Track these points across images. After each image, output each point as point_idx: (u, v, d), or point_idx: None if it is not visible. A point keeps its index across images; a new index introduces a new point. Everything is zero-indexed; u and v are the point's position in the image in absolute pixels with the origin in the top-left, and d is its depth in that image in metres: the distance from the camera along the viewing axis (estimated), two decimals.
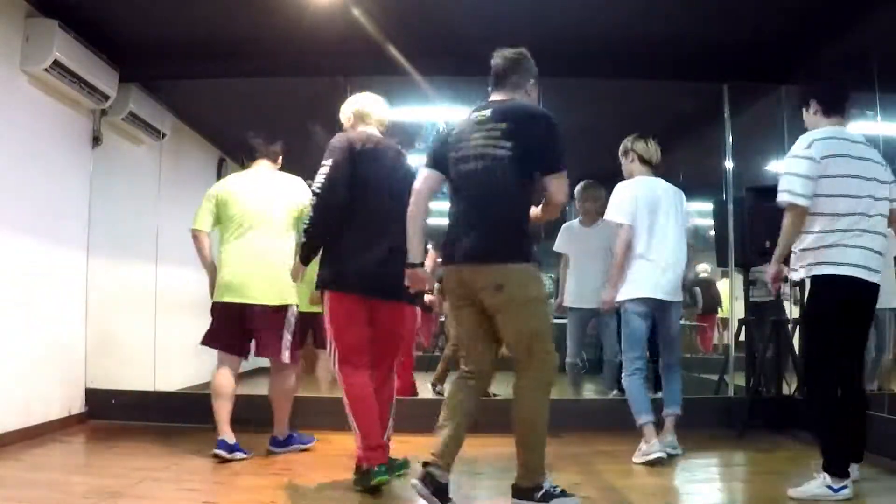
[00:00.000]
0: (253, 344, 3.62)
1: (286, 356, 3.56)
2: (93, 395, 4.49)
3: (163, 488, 3.00)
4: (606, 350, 4.92)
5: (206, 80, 4.95)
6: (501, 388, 3.63)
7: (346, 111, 3.29)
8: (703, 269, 8.09)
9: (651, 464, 3.45)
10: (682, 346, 8.09)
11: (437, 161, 2.82)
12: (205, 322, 3.66)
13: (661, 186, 3.67)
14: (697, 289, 8.18)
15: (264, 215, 3.56)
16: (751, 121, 5.08)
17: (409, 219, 2.80)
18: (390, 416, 3.17)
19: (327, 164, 3.02)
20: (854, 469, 2.92)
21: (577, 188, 4.83)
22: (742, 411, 4.26)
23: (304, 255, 3.12)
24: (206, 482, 3.14)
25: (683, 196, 3.75)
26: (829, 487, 2.80)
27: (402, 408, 4.34)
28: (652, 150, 3.71)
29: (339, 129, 3.27)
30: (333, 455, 3.47)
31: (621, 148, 3.75)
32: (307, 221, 3.04)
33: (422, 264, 2.84)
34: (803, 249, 2.92)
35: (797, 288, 4.45)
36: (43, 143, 4.09)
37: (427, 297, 5.70)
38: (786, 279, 4.49)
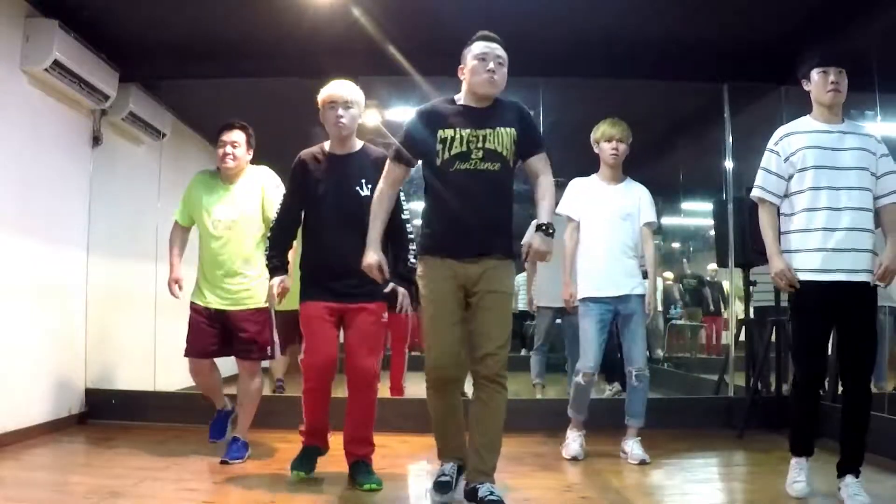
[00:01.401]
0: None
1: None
2: (93, 395, 4.49)
3: (163, 488, 3.00)
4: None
5: (206, 80, 4.95)
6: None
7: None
8: (712, 268, 8.06)
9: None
10: (685, 345, 8.14)
11: None
12: None
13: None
14: (707, 290, 8.17)
15: None
16: (751, 121, 5.08)
17: None
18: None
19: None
20: (805, 463, 2.92)
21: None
22: (742, 411, 4.26)
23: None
24: (206, 482, 3.14)
25: None
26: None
27: (402, 408, 4.38)
28: None
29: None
30: (333, 455, 3.47)
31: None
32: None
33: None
34: None
35: None
36: (43, 143, 4.09)
37: None
38: None
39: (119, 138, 4.97)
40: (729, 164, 4.91)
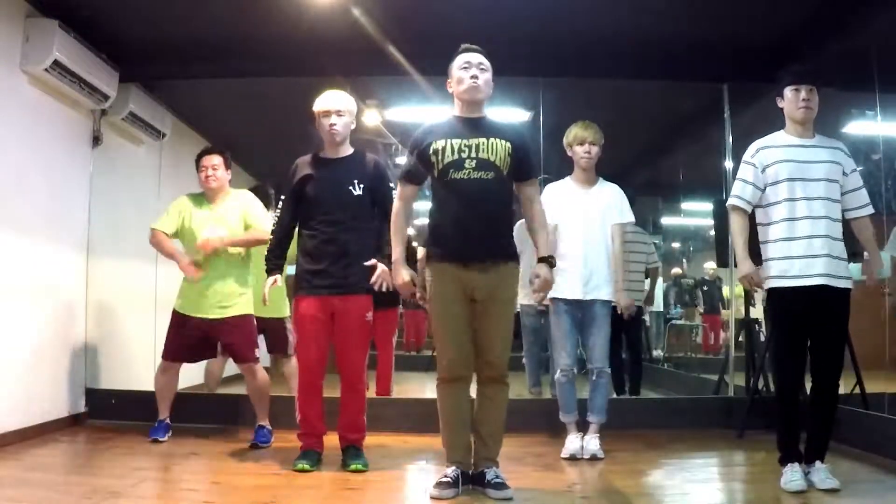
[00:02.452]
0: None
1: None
2: (93, 395, 4.49)
3: (163, 488, 3.00)
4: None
5: (206, 80, 4.95)
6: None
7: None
8: (710, 267, 8.05)
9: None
10: (684, 345, 8.14)
11: None
12: None
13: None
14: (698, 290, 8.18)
15: None
16: (751, 121, 5.07)
17: None
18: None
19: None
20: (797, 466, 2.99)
21: None
22: (742, 411, 4.26)
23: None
24: (205, 482, 3.14)
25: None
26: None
27: (402, 408, 4.38)
28: None
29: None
30: (333, 455, 3.47)
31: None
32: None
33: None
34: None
35: None
36: (43, 143, 4.09)
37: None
38: None
39: (119, 138, 4.97)
40: (729, 164, 4.90)
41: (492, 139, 2.85)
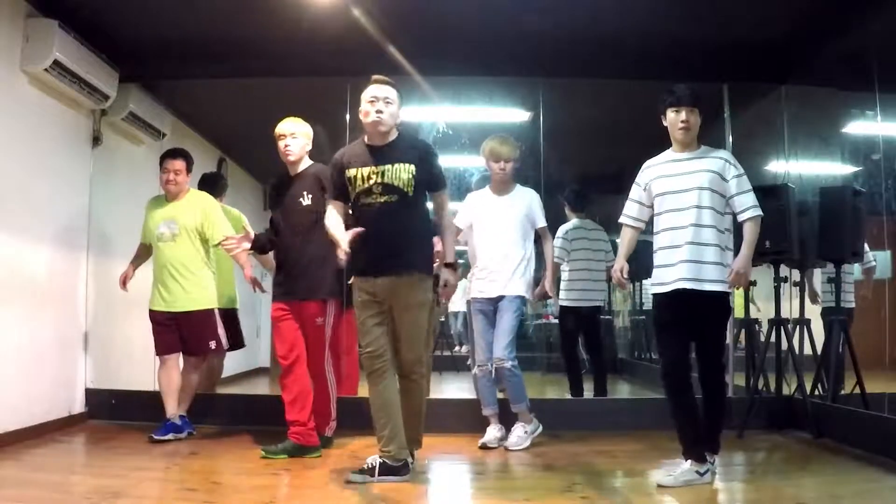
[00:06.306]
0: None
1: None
2: (93, 395, 4.49)
3: (163, 488, 3.00)
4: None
5: (206, 80, 4.95)
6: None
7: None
8: None
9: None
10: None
11: None
12: None
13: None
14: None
15: None
16: (751, 121, 5.07)
17: None
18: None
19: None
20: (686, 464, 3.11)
21: None
22: (742, 411, 4.26)
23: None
24: (206, 482, 3.14)
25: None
26: (697, 472, 3.07)
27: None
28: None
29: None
30: (333, 455, 3.47)
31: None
32: None
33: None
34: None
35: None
36: (43, 143, 4.09)
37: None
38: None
39: (119, 138, 4.97)
40: None
41: (397, 165, 3.11)
